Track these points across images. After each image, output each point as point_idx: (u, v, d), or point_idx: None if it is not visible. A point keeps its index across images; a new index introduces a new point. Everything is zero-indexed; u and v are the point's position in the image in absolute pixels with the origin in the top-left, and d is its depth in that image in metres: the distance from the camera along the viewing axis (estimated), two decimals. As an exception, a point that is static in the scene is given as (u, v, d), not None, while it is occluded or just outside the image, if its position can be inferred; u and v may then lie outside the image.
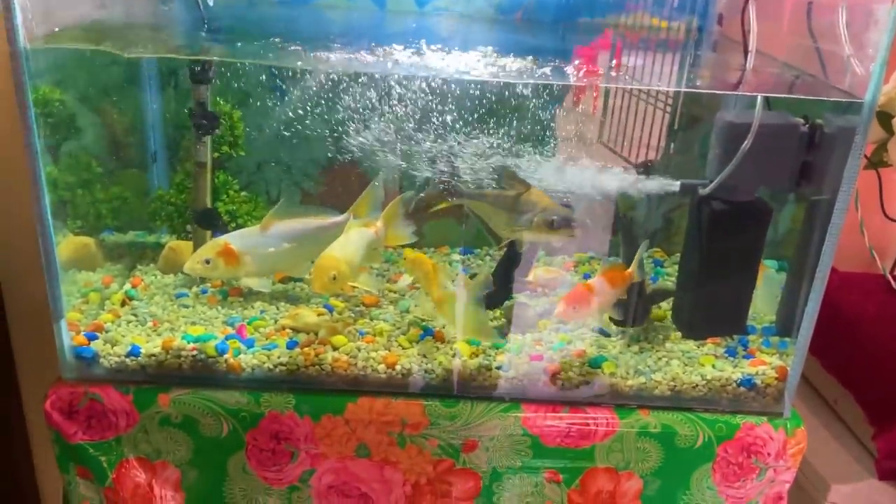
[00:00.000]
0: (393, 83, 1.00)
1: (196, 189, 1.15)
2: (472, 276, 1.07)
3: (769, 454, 1.02)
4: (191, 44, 1.12)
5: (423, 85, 0.99)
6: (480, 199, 1.10)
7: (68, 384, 0.98)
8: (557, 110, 1.11)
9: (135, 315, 1.06)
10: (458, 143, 1.03)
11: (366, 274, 1.15)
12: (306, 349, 1.02)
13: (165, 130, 1.24)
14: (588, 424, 1.00)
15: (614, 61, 1.12)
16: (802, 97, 1.03)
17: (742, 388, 1.02)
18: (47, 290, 0.95)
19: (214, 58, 1.10)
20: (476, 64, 0.98)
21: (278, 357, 1.00)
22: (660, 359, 1.06)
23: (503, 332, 1.11)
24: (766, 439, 1.01)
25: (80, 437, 0.99)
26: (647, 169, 1.07)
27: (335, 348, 1.03)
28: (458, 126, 1.03)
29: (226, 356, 1.00)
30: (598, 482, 1.03)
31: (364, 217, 1.13)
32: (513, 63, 0.98)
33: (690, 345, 1.09)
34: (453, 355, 1.03)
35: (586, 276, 1.23)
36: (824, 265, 0.96)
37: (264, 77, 1.17)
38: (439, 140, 1.03)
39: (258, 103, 1.19)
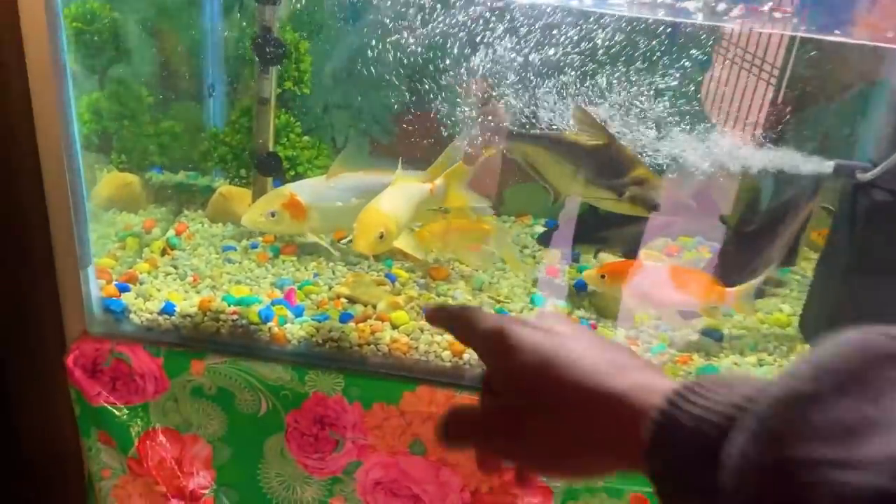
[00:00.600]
0: (497, 13, 0.83)
1: (257, 129, 1.00)
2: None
3: None
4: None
5: (531, 14, 0.81)
6: (538, 143, 0.93)
7: (93, 339, 0.87)
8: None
9: (174, 267, 0.94)
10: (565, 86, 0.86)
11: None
12: (361, 325, 0.87)
13: (226, 61, 1.10)
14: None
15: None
16: None
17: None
18: (74, 232, 0.84)
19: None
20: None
21: (329, 331, 0.86)
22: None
23: (590, 324, 0.94)
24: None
25: (104, 399, 0.88)
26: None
27: (395, 327, 0.88)
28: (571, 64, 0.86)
29: (270, 324, 0.86)
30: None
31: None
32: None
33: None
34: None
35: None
36: None
37: (338, 4, 1.02)
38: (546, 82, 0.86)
39: (329, 34, 1.04)
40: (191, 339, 0.87)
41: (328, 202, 0.98)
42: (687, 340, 0.92)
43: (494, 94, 0.93)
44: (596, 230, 1.11)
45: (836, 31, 0.80)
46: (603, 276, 0.94)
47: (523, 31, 0.86)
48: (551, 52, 0.87)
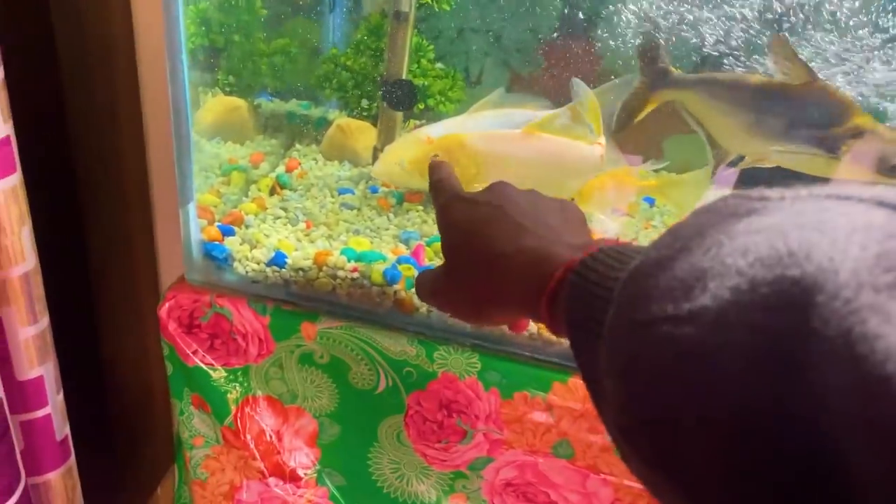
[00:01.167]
0: None
1: (390, 50, 0.84)
2: None
3: None
4: None
5: None
6: (702, 88, 0.74)
7: (191, 289, 0.74)
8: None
9: (284, 209, 0.80)
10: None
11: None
12: (506, 296, 0.71)
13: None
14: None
15: None
16: None
17: None
18: (175, 163, 0.70)
19: None
20: None
21: (466, 300, 0.71)
22: None
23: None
24: None
25: (200, 358, 0.76)
26: None
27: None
28: None
29: (396, 287, 0.71)
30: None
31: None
32: None
33: None
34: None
35: None
36: None
37: None
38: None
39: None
40: (303, 297, 0.73)
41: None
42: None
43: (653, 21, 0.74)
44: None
45: None
46: None
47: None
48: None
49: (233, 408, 0.77)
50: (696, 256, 0.26)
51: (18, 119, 0.72)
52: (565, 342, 0.68)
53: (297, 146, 0.93)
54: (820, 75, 0.71)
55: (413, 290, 0.72)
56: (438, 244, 0.77)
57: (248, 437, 0.77)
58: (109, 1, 0.97)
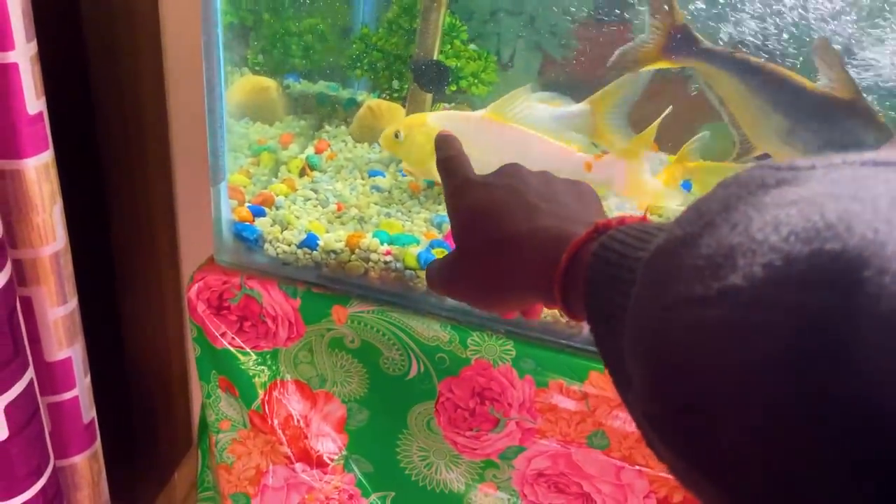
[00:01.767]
0: None
1: (422, 30, 0.82)
2: None
3: None
4: None
5: None
6: (736, 70, 0.70)
7: (221, 270, 0.73)
8: None
9: (315, 191, 0.79)
10: None
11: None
12: (542, 282, 0.70)
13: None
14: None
15: None
16: None
17: None
18: (208, 141, 0.69)
19: None
20: None
21: (501, 285, 0.69)
22: None
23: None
24: None
25: (229, 341, 0.74)
26: None
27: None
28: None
29: (429, 271, 0.70)
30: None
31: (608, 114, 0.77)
32: None
33: None
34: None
35: None
36: None
37: None
38: None
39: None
40: (335, 280, 0.71)
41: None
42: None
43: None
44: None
45: None
46: None
47: None
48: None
49: (261, 392, 0.76)
50: (724, 232, 0.24)
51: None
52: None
53: (327, 127, 0.91)
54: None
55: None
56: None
57: (276, 421, 0.76)
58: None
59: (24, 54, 0.69)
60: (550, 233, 0.41)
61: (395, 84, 0.88)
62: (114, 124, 1.02)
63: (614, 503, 0.73)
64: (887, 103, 0.68)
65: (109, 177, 1.04)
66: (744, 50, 0.71)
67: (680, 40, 0.71)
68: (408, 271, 0.70)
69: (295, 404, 0.76)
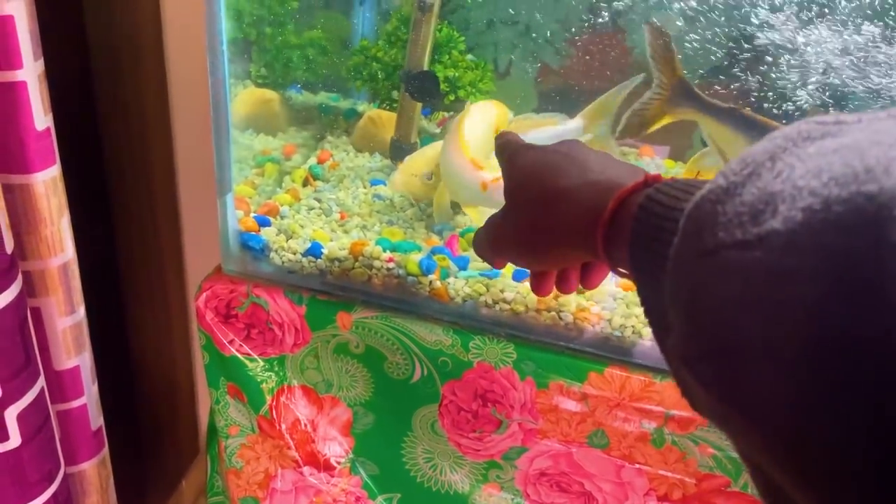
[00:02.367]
0: None
1: (413, 41, 0.84)
2: None
3: None
4: None
5: None
6: (751, 131, 0.71)
7: (228, 279, 0.75)
8: None
9: (318, 200, 0.81)
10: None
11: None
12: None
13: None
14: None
15: None
16: None
17: None
18: (214, 153, 0.71)
19: None
20: None
21: (501, 290, 0.71)
22: None
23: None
24: None
25: (237, 348, 0.76)
26: None
27: (581, 291, 0.72)
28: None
29: (431, 277, 0.72)
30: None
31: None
32: None
33: None
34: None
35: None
36: None
37: None
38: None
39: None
40: (339, 287, 0.73)
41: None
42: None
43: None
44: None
45: None
46: None
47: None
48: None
49: (268, 397, 0.77)
50: (766, 180, 0.25)
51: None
52: (601, 331, 0.68)
53: (329, 138, 0.93)
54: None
55: (448, 280, 0.72)
56: (472, 234, 0.77)
57: (284, 426, 0.78)
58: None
59: (31, 72, 0.71)
60: (599, 186, 0.42)
61: (395, 94, 0.90)
62: (120, 138, 1.04)
63: (615, 501, 0.74)
64: None
65: (116, 189, 1.06)
66: (743, 105, 0.72)
67: (679, 94, 0.74)
68: (410, 277, 0.72)
69: (302, 409, 0.78)
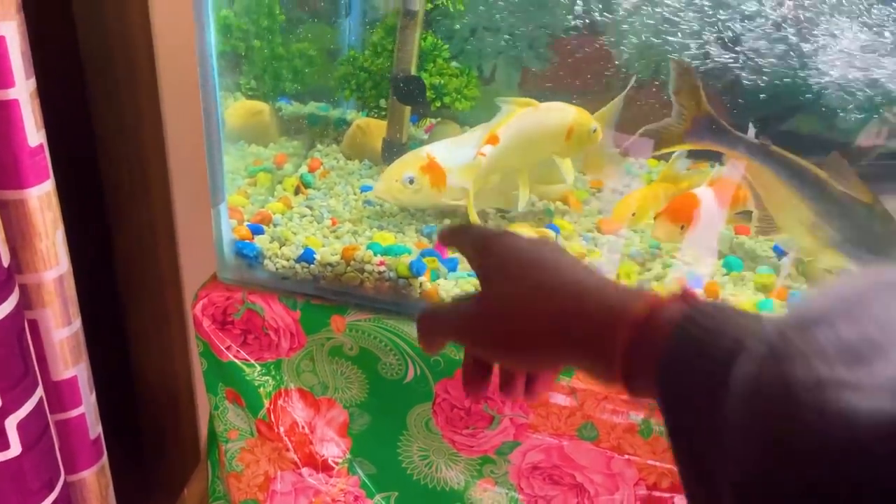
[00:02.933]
0: None
1: (399, 47, 0.86)
2: None
3: None
4: None
5: None
6: (777, 166, 0.72)
7: (224, 287, 0.77)
8: None
9: (310, 208, 0.83)
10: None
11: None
12: (529, 284, 0.74)
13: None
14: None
15: None
16: None
17: None
18: (207, 165, 0.73)
19: None
20: None
21: (490, 290, 0.73)
22: None
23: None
24: None
25: (234, 353, 0.78)
26: None
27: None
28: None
29: (421, 279, 0.74)
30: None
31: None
32: None
33: None
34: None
35: None
36: None
37: None
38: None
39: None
40: (332, 292, 0.75)
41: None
42: None
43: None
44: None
45: None
46: None
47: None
48: None
49: (266, 401, 0.79)
50: (869, 327, 0.25)
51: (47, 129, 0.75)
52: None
53: (319, 146, 0.95)
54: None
55: (438, 281, 0.74)
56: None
57: (282, 429, 0.80)
58: (131, 15, 1.00)
59: (23, 90, 0.73)
60: (616, 287, 0.38)
61: (383, 102, 0.93)
62: (114, 151, 1.05)
63: (606, 492, 0.76)
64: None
65: (113, 201, 1.08)
66: (768, 140, 0.72)
67: (703, 128, 0.73)
68: (401, 280, 0.74)
69: (299, 412, 0.80)
